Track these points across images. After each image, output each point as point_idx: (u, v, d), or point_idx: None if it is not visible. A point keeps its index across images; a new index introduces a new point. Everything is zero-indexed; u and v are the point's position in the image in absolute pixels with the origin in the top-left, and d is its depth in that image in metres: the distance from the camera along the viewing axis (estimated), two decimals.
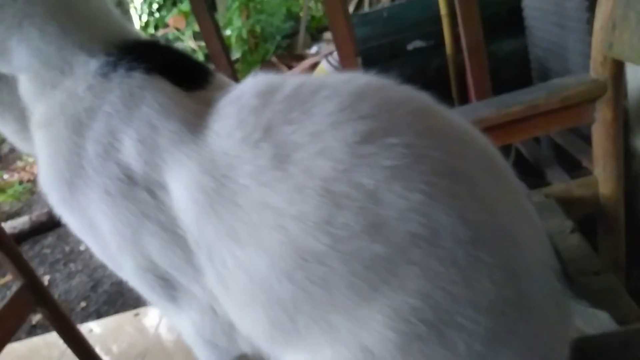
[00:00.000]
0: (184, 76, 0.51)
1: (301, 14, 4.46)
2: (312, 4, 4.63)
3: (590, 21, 1.29)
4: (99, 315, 2.23)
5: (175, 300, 0.52)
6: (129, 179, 0.48)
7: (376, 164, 0.40)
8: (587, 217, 1.17)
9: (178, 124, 0.48)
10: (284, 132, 0.43)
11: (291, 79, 0.48)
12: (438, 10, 1.72)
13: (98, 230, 0.50)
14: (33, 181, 4.33)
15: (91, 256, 2.85)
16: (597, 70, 1.05)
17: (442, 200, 0.39)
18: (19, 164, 4.84)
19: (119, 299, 2.35)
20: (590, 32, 1.30)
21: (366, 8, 3.30)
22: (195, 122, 0.48)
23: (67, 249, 2.97)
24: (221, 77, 0.55)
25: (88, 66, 0.50)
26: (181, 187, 0.47)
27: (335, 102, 0.43)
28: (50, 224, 3.21)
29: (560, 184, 1.29)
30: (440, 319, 0.39)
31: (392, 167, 0.39)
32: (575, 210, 1.15)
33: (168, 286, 0.51)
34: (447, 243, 0.39)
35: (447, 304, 0.39)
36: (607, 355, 0.54)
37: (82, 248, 2.90)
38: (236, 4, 4.08)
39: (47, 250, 2.99)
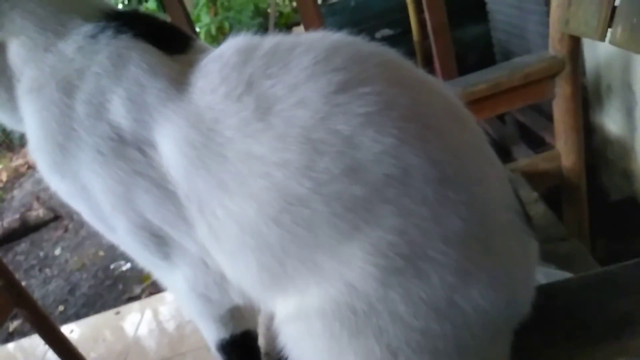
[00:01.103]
0: (166, 41, 0.53)
1: (269, 10, 4.46)
2: (279, 0, 4.64)
3: (548, 3, 1.35)
4: (78, 318, 2.20)
5: (168, 257, 0.54)
6: (120, 138, 0.49)
7: (351, 112, 0.43)
8: (551, 189, 1.22)
9: (165, 82, 0.50)
10: (265, 86, 0.46)
11: (268, 38, 0.50)
12: None
13: (90, 192, 0.51)
14: (2, 188, 4.22)
15: (67, 260, 2.81)
16: (555, 47, 1.09)
17: (411, 142, 0.42)
18: None
19: (98, 300, 2.33)
20: (548, 13, 1.36)
21: None
22: (180, 80, 0.50)
23: (41, 254, 2.92)
24: (201, 43, 0.57)
25: (80, 29, 0.52)
26: (170, 142, 0.49)
27: (311, 56, 0.46)
28: (23, 231, 3.16)
29: (524, 159, 1.34)
30: (415, 253, 0.42)
31: (365, 114, 0.42)
32: (540, 183, 1.20)
33: (161, 243, 0.53)
34: (417, 182, 0.42)
35: (420, 238, 0.42)
36: (568, 297, 0.59)
37: (57, 252, 2.86)
38: (204, 0, 4.06)
39: (21, 257, 2.93)
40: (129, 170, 0.49)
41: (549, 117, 1.28)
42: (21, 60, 0.53)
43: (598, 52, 1.32)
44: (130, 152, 0.49)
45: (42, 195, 3.71)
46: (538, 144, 1.54)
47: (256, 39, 0.50)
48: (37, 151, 0.53)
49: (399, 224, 0.42)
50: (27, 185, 4.10)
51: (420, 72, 0.49)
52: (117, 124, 0.49)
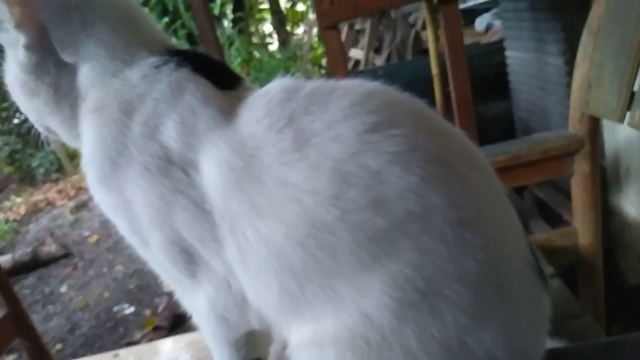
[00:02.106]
0: (219, 78, 0.58)
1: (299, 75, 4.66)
2: (309, 66, 4.85)
3: (569, 85, 1.39)
4: (74, 357, 2.16)
5: (194, 275, 0.56)
6: (167, 158, 0.54)
7: (380, 150, 0.46)
8: (567, 267, 1.21)
9: (215, 111, 0.54)
10: (304, 121, 0.50)
11: (311, 82, 0.55)
12: (429, 71, 1.84)
13: (132, 205, 0.55)
14: (19, 221, 4.29)
15: (71, 298, 2.80)
16: (575, 126, 1.13)
17: (434, 183, 0.45)
18: (7, 203, 4.82)
19: (97, 342, 2.30)
20: (569, 95, 1.40)
21: (362, 67, 3.48)
22: (228, 111, 0.55)
23: (47, 290, 2.91)
24: (248, 83, 0.62)
25: (146, 60, 0.58)
26: (213, 165, 0.52)
27: (348, 99, 0.50)
28: (33, 265, 3.17)
29: (542, 233, 1.34)
30: (430, 289, 0.44)
31: (393, 152, 0.46)
32: (557, 259, 1.19)
33: (190, 260, 0.55)
34: (437, 221, 0.44)
35: (436, 276, 0.44)
36: None
37: (62, 290, 2.86)
38: (238, 60, 4.27)
39: (27, 291, 2.93)
40: (172, 188, 0.53)
41: (567, 195, 1.29)
42: (89, 82, 0.58)
43: (617, 134, 1.35)
44: (174, 171, 0.53)
45: (57, 231, 3.77)
46: (555, 220, 1.54)
47: (300, 81, 0.55)
48: (90, 164, 0.57)
49: (417, 259, 0.44)
50: (44, 221, 4.16)
51: (446, 122, 0.53)
52: (167, 145, 0.54)
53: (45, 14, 0.57)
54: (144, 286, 2.66)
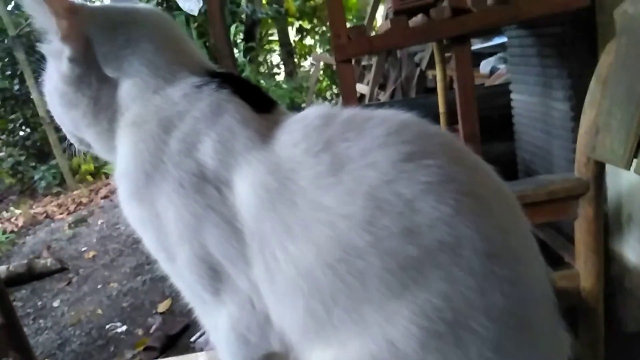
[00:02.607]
0: (256, 102, 0.60)
1: (303, 106, 4.74)
2: (313, 98, 4.92)
3: (574, 130, 1.43)
4: None
5: (218, 293, 0.56)
6: (202, 175, 0.55)
7: (414, 179, 0.47)
8: (568, 309, 1.20)
9: (253, 133, 0.56)
10: (341, 147, 0.51)
11: (348, 109, 0.57)
12: (434, 108, 1.87)
13: (162, 220, 0.56)
14: (16, 232, 4.27)
15: (63, 313, 2.76)
16: (580, 170, 1.15)
17: (466, 215, 0.46)
18: (5, 214, 4.80)
19: (87, 359, 2.26)
20: (573, 139, 1.43)
21: (366, 102, 3.54)
22: (265, 133, 0.56)
23: (39, 303, 2.87)
24: (283, 108, 0.64)
25: (188, 80, 0.60)
26: (247, 184, 0.53)
27: (384, 128, 0.52)
28: (27, 277, 3.14)
29: None
30: (457, 321, 0.44)
31: (427, 182, 0.47)
32: (558, 302, 1.19)
33: (215, 278, 0.55)
34: (467, 253, 0.45)
35: (463, 307, 0.44)
36: None
37: (55, 304, 2.82)
38: None
39: (19, 303, 2.89)
40: (204, 204, 0.54)
41: (568, 237, 1.30)
42: (130, 98, 0.60)
43: (621, 181, 1.37)
44: (208, 188, 0.54)
45: (54, 245, 3.75)
46: (556, 262, 1.54)
47: (336, 108, 0.57)
48: (124, 177, 0.59)
49: (446, 290, 0.45)
50: (41, 234, 4.14)
51: (477, 156, 0.55)
52: (203, 163, 0.55)
53: (92, 29, 0.59)
54: (138, 305, 2.64)
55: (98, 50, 0.59)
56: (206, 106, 0.57)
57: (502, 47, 2.66)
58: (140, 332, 2.39)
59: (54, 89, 0.63)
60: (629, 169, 0.98)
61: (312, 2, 7.30)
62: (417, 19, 1.29)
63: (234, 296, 0.56)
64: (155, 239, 0.58)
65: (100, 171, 5.50)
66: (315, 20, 7.70)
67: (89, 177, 5.49)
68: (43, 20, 0.58)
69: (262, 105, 0.60)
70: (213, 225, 0.54)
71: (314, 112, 0.57)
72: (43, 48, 0.62)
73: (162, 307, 2.52)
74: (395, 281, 0.46)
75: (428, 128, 0.54)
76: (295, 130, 0.55)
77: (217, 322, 0.58)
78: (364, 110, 0.56)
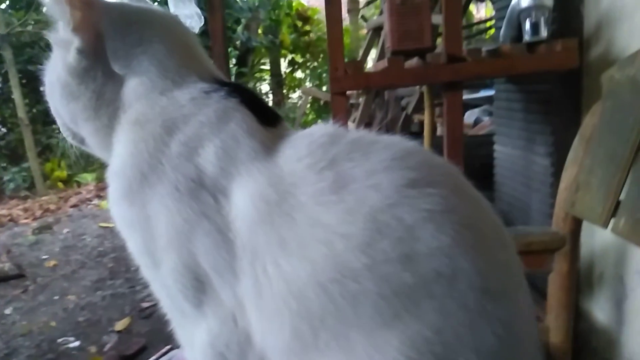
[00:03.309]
0: (262, 115, 0.59)
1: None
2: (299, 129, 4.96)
3: (553, 185, 1.46)
4: None
5: (200, 305, 0.54)
6: (200, 181, 0.53)
7: (417, 206, 0.47)
8: None
9: (257, 144, 0.55)
10: (345, 167, 0.51)
11: (353, 131, 0.57)
12: None
13: (152, 223, 0.54)
14: None
15: (14, 322, 2.63)
16: (558, 224, 1.17)
17: (465, 248, 0.45)
18: None
19: None
20: (552, 194, 1.47)
21: None
22: (269, 146, 0.56)
23: None
24: (286, 124, 0.63)
25: (196, 85, 0.59)
26: (246, 194, 0.52)
27: (390, 152, 0.51)
28: None
29: None
30: (446, 356, 0.43)
31: (429, 210, 0.47)
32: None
33: (200, 289, 0.53)
34: (462, 286, 0.44)
35: (454, 342, 0.43)
36: None
37: (7, 312, 2.69)
38: None
39: None
40: (198, 211, 0.52)
41: (538, 290, 1.31)
42: (135, 96, 0.59)
43: (594, 239, 1.40)
44: (204, 195, 0.53)
45: (14, 250, 3.60)
46: None
47: (343, 129, 0.57)
48: (117, 175, 0.57)
49: (438, 322, 0.44)
50: (2, 237, 3.98)
51: (477, 192, 0.55)
52: (203, 168, 0.54)
53: (105, 24, 0.58)
54: (94, 321, 2.53)
55: (108, 45, 0.59)
56: (213, 112, 0.56)
57: (487, 99, 2.74)
58: (93, 349, 2.28)
59: (57, 78, 0.62)
60: (606, 228, 1.00)
61: (306, 38, 7.45)
62: (413, 62, 1.32)
63: (216, 310, 0.53)
64: (142, 242, 0.55)
65: (72, 179, 5.36)
66: (307, 55, 7.84)
67: (60, 184, 5.34)
68: (56, 8, 0.58)
69: (267, 118, 0.59)
70: (205, 233, 0.52)
71: (320, 129, 0.57)
72: (51, 36, 0.61)
73: (120, 325, 2.42)
74: (388, 308, 0.45)
75: (433, 158, 0.55)
76: (301, 146, 0.55)
77: (194, 336, 0.55)
78: (369, 133, 0.56)
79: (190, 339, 0.57)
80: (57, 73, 0.61)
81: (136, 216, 0.55)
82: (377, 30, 3.86)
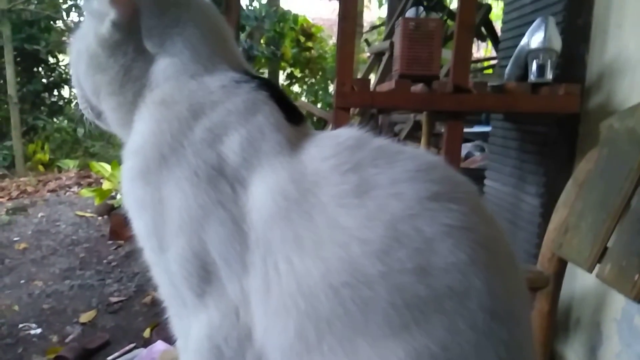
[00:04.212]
0: (288, 112, 0.59)
1: None
2: None
3: (540, 225, 1.48)
4: None
5: (202, 296, 0.53)
6: (220, 169, 0.53)
7: (437, 219, 0.47)
8: None
9: (283, 139, 0.55)
10: (370, 172, 0.51)
11: (379, 138, 0.57)
12: None
13: (165, 206, 0.53)
14: None
15: None
16: (543, 264, 1.18)
17: (479, 267, 0.46)
18: None
19: None
20: (538, 235, 1.48)
21: None
22: (294, 143, 0.56)
23: None
24: (308, 124, 0.63)
25: (227, 73, 0.59)
26: (266, 188, 0.52)
27: (415, 163, 0.52)
28: None
29: None
30: None
31: (449, 225, 0.47)
32: None
33: (205, 278, 0.52)
34: (473, 305, 0.44)
35: None
36: None
37: None
38: None
39: None
40: (215, 199, 0.52)
41: None
42: (164, 76, 0.59)
43: (575, 283, 1.42)
44: (222, 184, 0.52)
45: None
46: None
47: (369, 135, 0.56)
48: (135, 154, 0.56)
49: (445, 339, 0.43)
50: None
51: (493, 214, 0.55)
52: (225, 157, 0.53)
53: (144, 0, 0.58)
54: (59, 310, 2.46)
55: (144, 22, 0.59)
56: (241, 102, 0.56)
57: (480, 135, 2.78)
58: (55, 338, 2.21)
59: (86, 48, 0.61)
60: (591, 272, 1.01)
61: (307, 54, 7.51)
62: (417, 87, 1.34)
63: (219, 302, 0.52)
64: (152, 224, 0.54)
65: (54, 163, 5.27)
66: (306, 71, 7.89)
67: (41, 167, 5.24)
68: None
69: (293, 116, 0.59)
70: (219, 222, 0.52)
71: (347, 132, 0.57)
72: (86, 5, 0.60)
73: (85, 317, 2.35)
74: (397, 318, 0.44)
75: (455, 174, 0.55)
76: (326, 146, 0.55)
77: (191, 327, 0.54)
78: (395, 143, 0.56)
79: (185, 330, 0.55)
80: (87, 43, 0.61)
81: (149, 196, 0.54)
82: (378, 55, 3.91)
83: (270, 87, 0.60)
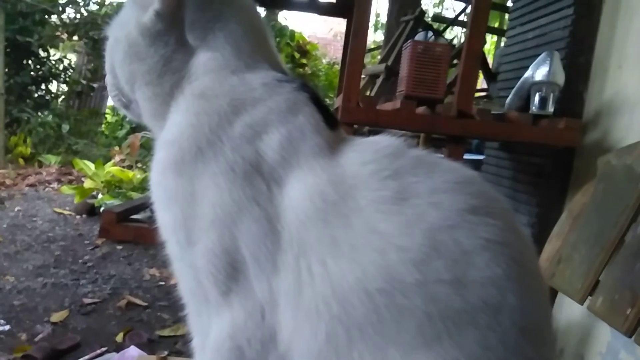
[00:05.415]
0: (325, 115, 0.59)
1: None
2: None
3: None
4: None
5: (227, 293, 0.51)
6: (257, 166, 0.52)
7: (476, 232, 0.47)
8: None
9: (322, 141, 0.55)
10: (409, 180, 0.51)
11: (417, 149, 0.57)
12: None
13: (197, 199, 0.52)
14: None
15: None
16: None
17: (515, 282, 0.46)
18: None
19: None
20: None
21: None
22: (333, 146, 0.56)
23: None
24: (343, 129, 0.63)
25: (268, 72, 0.59)
26: (303, 189, 0.51)
27: (453, 175, 0.52)
28: None
29: None
30: None
31: (486, 239, 0.47)
32: None
33: (232, 276, 0.51)
34: (505, 321, 0.44)
35: None
36: None
37: None
38: None
39: None
40: (250, 196, 0.51)
41: None
42: (205, 69, 0.58)
43: (561, 315, 1.43)
44: (258, 181, 0.52)
45: None
46: None
47: (407, 144, 0.57)
48: (171, 144, 0.55)
49: (476, 353, 0.44)
50: None
51: (525, 232, 0.55)
52: (263, 154, 0.53)
53: None
54: (31, 308, 2.38)
55: (188, 14, 0.58)
56: (283, 101, 0.56)
57: (470, 163, 2.83)
58: (23, 336, 2.13)
59: (125, 36, 0.60)
60: (582, 304, 1.03)
61: (301, 70, 7.57)
62: (421, 109, 1.35)
63: (245, 301, 0.51)
64: (181, 216, 0.53)
65: (35, 157, 5.15)
66: None
67: (21, 161, 5.11)
68: None
69: (330, 120, 0.59)
70: (253, 219, 0.51)
71: (386, 140, 0.57)
72: None
73: (57, 317, 2.28)
74: (431, 329, 0.44)
75: (491, 190, 0.55)
76: (366, 151, 0.55)
77: (211, 325, 0.53)
78: (431, 154, 0.57)
79: (205, 328, 0.54)
80: (127, 30, 0.60)
81: (182, 189, 0.53)
82: (373, 77, 3.96)
83: (309, 89, 0.61)
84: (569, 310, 1.39)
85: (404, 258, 0.46)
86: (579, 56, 1.40)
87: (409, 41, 1.36)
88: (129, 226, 2.88)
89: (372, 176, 0.52)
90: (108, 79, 0.65)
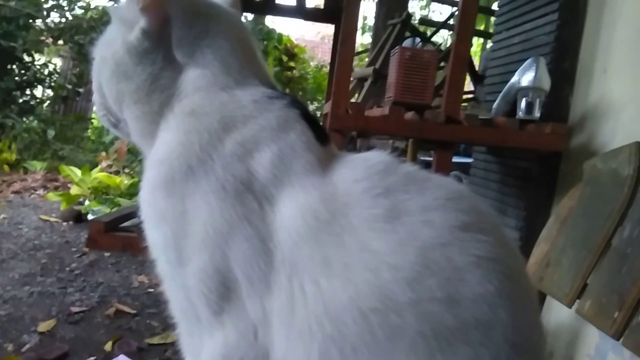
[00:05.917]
0: (317, 132, 0.59)
1: None
2: None
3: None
4: None
5: (220, 313, 0.51)
6: (248, 184, 0.52)
7: (468, 249, 0.47)
8: None
9: (314, 158, 0.55)
10: (400, 198, 0.51)
11: (407, 164, 0.57)
12: None
13: (188, 219, 0.51)
14: None
15: None
16: None
17: (506, 299, 0.46)
18: None
19: None
20: None
21: None
22: (324, 163, 0.55)
23: None
24: (334, 145, 0.63)
25: (257, 88, 0.59)
26: (295, 207, 0.51)
27: (444, 192, 0.52)
28: None
29: None
30: None
31: (478, 256, 0.47)
32: None
33: (224, 296, 0.51)
34: (497, 338, 0.45)
35: None
36: None
37: None
38: None
39: None
40: (242, 214, 0.51)
41: None
42: (194, 87, 0.58)
43: (550, 318, 1.44)
44: (249, 200, 0.51)
45: None
46: None
47: (397, 160, 0.57)
48: (160, 163, 0.55)
49: None
50: None
51: (516, 247, 0.55)
52: (254, 172, 0.52)
53: (175, 9, 0.57)
54: (17, 318, 2.34)
55: (175, 31, 0.58)
56: (274, 118, 0.56)
57: (459, 166, 2.84)
58: (10, 347, 2.10)
59: (111, 55, 0.59)
60: (571, 307, 1.03)
61: (289, 73, 7.56)
62: (409, 115, 1.36)
63: (237, 321, 0.51)
64: (171, 236, 0.53)
65: (20, 164, 5.08)
66: (287, 90, 7.94)
67: (6, 167, 5.05)
68: None
69: (321, 136, 0.59)
70: (245, 238, 0.50)
71: (377, 156, 0.57)
72: (115, 11, 0.59)
73: (44, 326, 2.25)
74: (424, 347, 0.44)
75: (480, 205, 0.56)
76: (358, 168, 0.55)
77: (203, 345, 0.52)
78: (421, 170, 0.57)
79: (197, 348, 0.53)
80: (113, 49, 0.59)
81: (172, 208, 0.53)
82: (361, 81, 3.97)
83: (300, 105, 0.60)
84: (557, 314, 1.40)
85: (397, 277, 0.46)
86: (564, 61, 1.41)
87: (396, 47, 1.37)
88: (116, 236, 2.84)
89: (364, 194, 0.51)
90: (96, 98, 0.64)
